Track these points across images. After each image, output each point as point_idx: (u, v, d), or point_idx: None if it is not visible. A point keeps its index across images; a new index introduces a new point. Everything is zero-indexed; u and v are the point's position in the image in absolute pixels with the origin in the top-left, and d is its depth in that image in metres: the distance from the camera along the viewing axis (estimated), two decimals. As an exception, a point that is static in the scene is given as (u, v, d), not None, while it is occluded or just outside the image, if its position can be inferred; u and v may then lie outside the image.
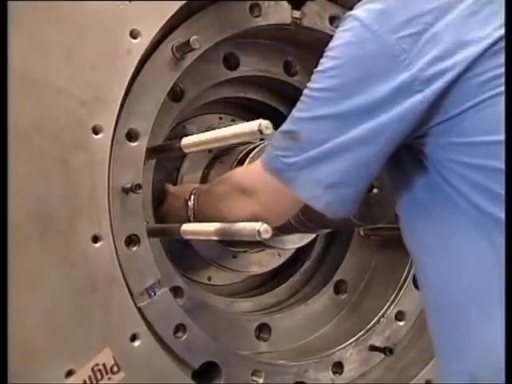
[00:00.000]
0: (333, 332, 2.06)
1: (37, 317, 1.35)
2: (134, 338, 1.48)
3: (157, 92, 1.59)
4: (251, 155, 1.82)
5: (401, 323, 2.00)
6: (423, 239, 1.36)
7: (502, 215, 1.18)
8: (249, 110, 2.13)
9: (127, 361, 1.46)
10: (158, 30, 1.52)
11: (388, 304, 2.01)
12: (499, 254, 1.19)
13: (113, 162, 1.48)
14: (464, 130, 1.22)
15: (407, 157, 1.33)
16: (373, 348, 1.95)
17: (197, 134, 1.68)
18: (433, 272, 1.34)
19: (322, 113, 1.27)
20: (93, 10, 1.42)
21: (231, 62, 1.90)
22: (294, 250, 2.12)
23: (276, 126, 1.36)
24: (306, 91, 1.32)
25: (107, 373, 1.43)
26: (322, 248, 2.23)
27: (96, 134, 1.43)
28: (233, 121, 2.08)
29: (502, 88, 1.19)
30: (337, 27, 1.81)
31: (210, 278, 2.06)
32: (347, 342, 1.94)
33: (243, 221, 1.40)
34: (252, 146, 1.85)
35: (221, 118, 2.09)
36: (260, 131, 1.34)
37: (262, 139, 1.79)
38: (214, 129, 1.69)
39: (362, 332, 1.97)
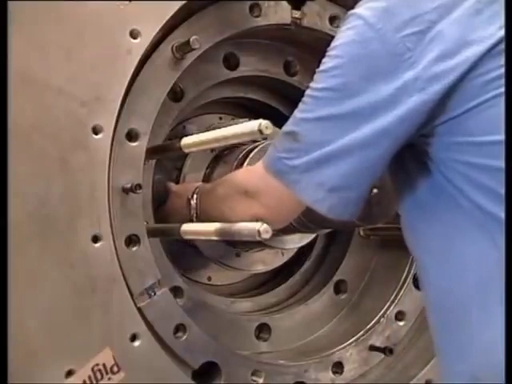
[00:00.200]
0: (333, 332, 2.06)
1: (37, 317, 1.35)
2: (134, 338, 1.48)
3: (157, 92, 1.59)
4: (251, 155, 1.82)
5: (401, 323, 2.00)
6: (426, 240, 1.35)
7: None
8: (249, 110, 2.13)
9: (127, 361, 1.46)
10: (158, 29, 1.51)
11: (388, 304, 2.01)
12: (502, 254, 1.18)
13: (113, 162, 1.48)
14: (468, 130, 1.21)
15: (410, 158, 1.32)
16: (373, 348, 1.95)
17: (197, 134, 1.68)
18: (435, 273, 1.33)
19: (324, 113, 1.26)
20: (93, 10, 1.42)
21: (231, 62, 1.90)
22: (297, 249, 2.11)
23: (276, 126, 1.36)
24: (308, 91, 1.31)
25: (107, 373, 1.43)
26: (322, 248, 2.23)
27: (96, 134, 1.43)
28: (233, 120, 2.08)
29: None
30: (337, 27, 1.84)
31: (210, 278, 2.06)
32: (347, 342, 1.94)
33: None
34: (252, 145, 1.85)
35: (221, 118, 2.09)
36: (260, 131, 1.33)
37: (264, 138, 1.79)
38: (214, 129, 1.69)
39: (362, 332, 1.97)
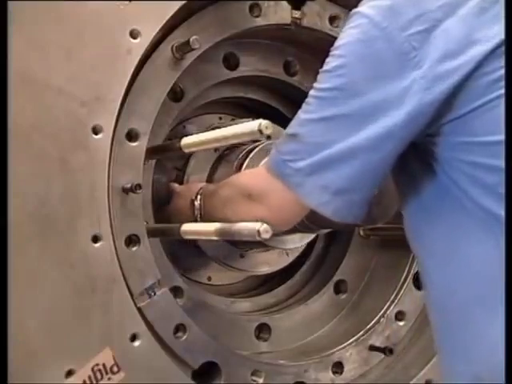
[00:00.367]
0: (333, 332, 2.06)
1: (37, 317, 1.35)
2: (133, 338, 1.48)
3: (157, 92, 1.59)
4: (251, 155, 1.82)
5: (401, 323, 2.00)
6: (429, 242, 1.34)
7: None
8: (249, 110, 2.13)
9: (127, 361, 1.46)
10: (157, 29, 1.51)
11: (388, 304, 2.01)
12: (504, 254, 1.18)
13: (113, 162, 1.48)
14: (473, 129, 1.20)
15: (415, 159, 1.31)
16: (373, 348, 1.95)
17: (197, 134, 1.68)
18: (438, 274, 1.33)
19: (328, 113, 1.25)
20: (93, 10, 1.42)
21: (231, 62, 1.90)
22: (301, 249, 2.11)
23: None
24: (311, 92, 1.30)
25: (107, 373, 1.43)
26: (322, 248, 2.23)
27: (96, 134, 1.43)
28: (233, 120, 2.08)
29: None
30: (337, 27, 1.85)
31: (210, 278, 2.06)
32: (347, 342, 1.94)
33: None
34: (252, 145, 1.85)
35: (221, 118, 2.09)
36: (260, 131, 1.33)
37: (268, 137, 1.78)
38: (214, 129, 1.69)
39: (362, 332, 1.97)
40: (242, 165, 1.82)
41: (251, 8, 1.73)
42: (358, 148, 1.23)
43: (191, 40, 1.57)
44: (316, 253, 2.23)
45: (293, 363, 1.84)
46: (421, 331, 2.01)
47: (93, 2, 1.42)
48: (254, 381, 1.73)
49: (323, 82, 1.28)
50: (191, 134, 1.68)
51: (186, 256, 1.98)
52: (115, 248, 1.46)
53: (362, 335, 1.96)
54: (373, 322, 1.99)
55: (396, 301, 2.01)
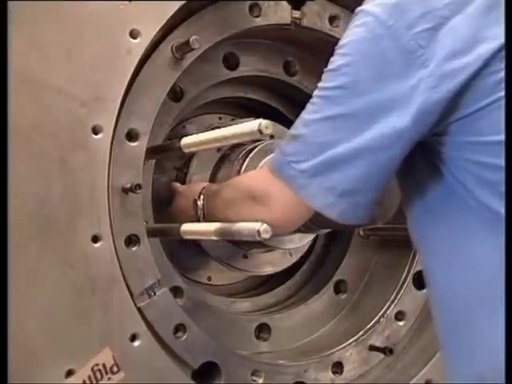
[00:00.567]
0: (333, 332, 2.06)
1: (37, 317, 1.35)
2: (133, 338, 1.48)
3: (157, 92, 1.59)
4: (251, 155, 1.82)
5: (400, 323, 2.00)
6: (434, 243, 1.33)
7: None
8: (249, 110, 2.14)
9: (127, 361, 1.46)
10: (157, 29, 1.52)
11: (388, 304, 2.01)
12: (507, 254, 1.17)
13: (113, 161, 1.48)
14: (480, 129, 1.19)
15: (420, 160, 1.30)
16: (373, 348, 1.95)
17: (197, 133, 1.68)
18: (442, 274, 1.32)
19: (333, 112, 1.23)
20: (92, 10, 1.42)
21: (231, 62, 1.90)
22: (305, 249, 2.11)
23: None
24: (316, 92, 1.28)
25: (107, 373, 1.43)
26: (321, 248, 2.23)
27: (96, 133, 1.43)
28: (232, 120, 2.08)
29: None
30: (336, 27, 1.85)
31: (209, 278, 2.06)
32: (347, 342, 1.94)
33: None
34: (252, 145, 1.85)
35: (220, 118, 2.09)
36: (260, 131, 1.33)
37: (271, 136, 1.79)
38: (213, 129, 1.69)
39: (362, 332, 1.97)
40: (242, 165, 1.82)
41: (251, 8, 1.73)
42: (364, 148, 1.21)
43: (191, 40, 1.57)
44: (316, 253, 2.23)
45: (293, 363, 1.84)
46: (421, 331, 2.01)
47: (93, 2, 1.42)
48: (254, 381, 1.73)
49: (328, 80, 1.26)
50: (191, 134, 1.68)
51: (185, 256, 1.98)
52: (115, 248, 1.46)
53: (362, 335, 1.96)
54: (373, 321, 1.99)
55: (396, 301, 2.01)
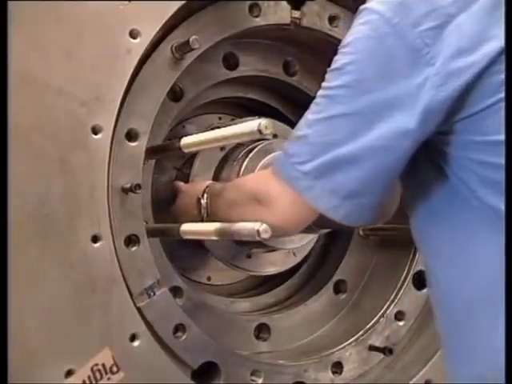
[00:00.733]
0: (332, 332, 2.06)
1: (36, 317, 1.35)
2: (133, 338, 1.48)
3: (156, 92, 1.59)
4: (251, 155, 1.82)
5: (400, 323, 2.00)
6: (436, 243, 1.32)
7: None
8: (248, 110, 2.13)
9: (127, 361, 1.46)
10: (157, 29, 1.51)
11: (387, 304, 2.01)
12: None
13: (112, 161, 1.48)
14: (485, 128, 1.18)
15: (423, 160, 1.28)
16: (372, 348, 1.95)
17: (196, 133, 1.68)
18: (445, 274, 1.31)
19: (336, 112, 1.22)
20: (92, 10, 1.42)
21: (231, 62, 1.90)
22: (309, 249, 2.10)
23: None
24: (319, 92, 1.27)
25: (106, 373, 1.43)
26: (321, 248, 2.23)
27: (95, 133, 1.42)
28: (232, 120, 2.08)
29: None
30: (336, 27, 1.85)
31: (209, 278, 2.06)
32: (347, 342, 1.94)
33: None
34: (252, 145, 1.85)
35: (220, 118, 2.09)
36: (259, 131, 1.33)
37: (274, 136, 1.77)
38: (213, 129, 1.69)
39: (362, 332, 1.97)
40: (241, 165, 1.82)
41: (251, 8, 1.73)
42: (369, 148, 1.20)
43: (191, 40, 1.57)
44: (315, 253, 2.23)
45: (292, 363, 1.84)
46: (420, 331, 2.01)
47: (92, 2, 1.41)
48: (254, 381, 1.73)
49: (331, 80, 1.25)
50: (191, 134, 1.68)
51: (185, 256, 1.98)
52: (115, 248, 1.46)
53: (362, 335, 1.96)
54: (372, 321, 1.99)
55: (396, 301, 2.01)
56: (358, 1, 1.30)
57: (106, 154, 1.44)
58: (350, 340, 1.95)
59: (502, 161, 1.17)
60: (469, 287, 1.26)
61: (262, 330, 1.99)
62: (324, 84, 1.26)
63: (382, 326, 1.98)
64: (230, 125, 1.77)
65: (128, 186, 1.50)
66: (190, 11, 1.63)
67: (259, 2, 1.74)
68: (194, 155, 1.92)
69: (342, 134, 1.22)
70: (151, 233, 1.61)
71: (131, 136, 1.54)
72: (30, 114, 1.34)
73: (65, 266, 1.38)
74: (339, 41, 1.77)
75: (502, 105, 1.16)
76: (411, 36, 1.17)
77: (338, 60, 1.25)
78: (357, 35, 1.23)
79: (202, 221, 1.62)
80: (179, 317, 1.61)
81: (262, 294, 2.14)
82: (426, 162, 1.29)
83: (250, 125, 1.37)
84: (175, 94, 1.79)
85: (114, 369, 1.44)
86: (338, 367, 1.89)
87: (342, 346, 1.93)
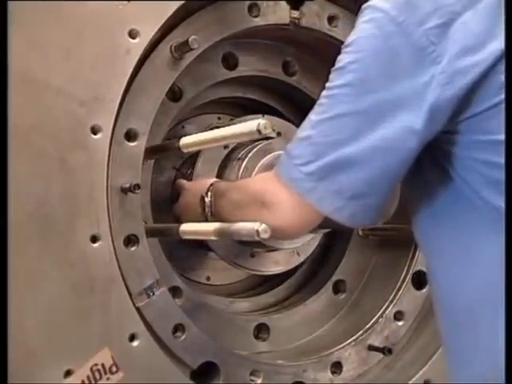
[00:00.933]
0: (331, 332, 2.06)
1: (36, 317, 1.35)
2: (132, 337, 1.48)
3: (155, 92, 1.59)
4: (250, 155, 1.82)
5: (399, 323, 2.00)
6: (439, 245, 1.32)
7: None
8: (248, 110, 2.13)
9: (126, 361, 1.46)
10: (156, 29, 1.51)
11: (387, 304, 2.01)
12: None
13: (111, 161, 1.48)
14: (490, 127, 1.17)
15: (426, 161, 1.27)
16: (371, 348, 1.95)
17: (196, 133, 1.68)
18: (447, 275, 1.31)
19: (340, 111, 1.20)
20: (92, 10, 1.42)
21: (230, 62, 1.90)
22: (312, 249, 2.09)
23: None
24: (323, 93, 1.25)
25: (106, 373, 1.43)
26: (321, 248, 2.23)
27: (95, 133, 1.42)
28: (231, 120, 2.08)
29: None
30: (335, 27, 1.85)
31: (208, 278, 2.06)
32: (346, 342, 1.94)
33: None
34: (251, 145, 1.85)
35: (219, 118, 2.09)
36: (259, 131, 1.33)
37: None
38: (212, 129, 1.69)
39: (361, 332, 1.97)
40: (241, 165, 1.82)
41: (250, 8, 1.73)
42: (374, 148, 1.19)
43: (190, 40, 1.57)
44: (315, 253, 2.22)
45: (291, 363, 1.84)
46: (420, 331, 2.01)
47: (92, 2, 1.41)
48: (253, 381, 1.73)
49: (334, 79, 1.23)
50: (190, 134, 1.68)
51: (184, 256, 1.98)
52: (114, 248, 1.46)
53: (361, 335, 1.96)
54: (372, 321, 1.99)
55: (395, 301, 2.01)
56: (359, 1, 1.29)
57: (106, 154, 1.44)
58: (350, 340, 1.95)
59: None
60: (470, 288, 1.26)
61: (261, 330, 1.99)
62: (327, 84, 1.25)
63: (381, 325, 1.98)
64: (229, 125, 1.77)
65: (127, 185, 1.50)
66: (189, 11, 1.63)
67: (258, 1, 1.74)
68: (193, 155, 1.92)
69: (345, 134, 1.20)
70: (150, 233, 1.61)
71: (130, 136, 1.54)
72: (29, 113, 1.34)
73: (64, 266, 1.38)
74: (338, 41, 1.79)
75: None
76: (417, 34, 1.16)
77: (342, 59, 1.23)
78: (360, 34, 1.22)
79: (206, 219, 1.60)
80: (178, 317, 1.61)
81: (262, 294, 2.14)
82: (430, 163, 1.27)
83: (249, 125, 1.37)
84: (174, 94, 1.79)
85: (114, 369, 1.44)
86: (337, 367, 1.89)
87: (341, 345, 1.93)
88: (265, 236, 1.30)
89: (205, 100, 1.97)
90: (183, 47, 1.60)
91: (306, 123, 1.28)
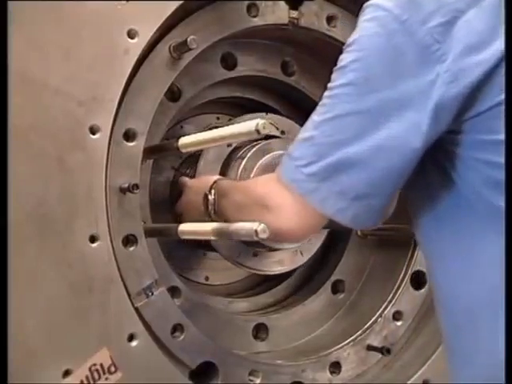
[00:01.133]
0: (330, 332, 2.06)
1: (34, 317, 1.35)
2: (131, 337, 1.48)
3: (154, 92, 1.59)
4: (249, 155, 1.82)
5: (398, 323, 2.00)
6: (440, 248, 1.31)
7: None
8: (246, 110, 2.13)
9: (124, 361, 1.46)
10: (155, 29, 1.51)
11: (385, 304, 2.01)
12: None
13: (110, 161, 1.47)
14: (493, 127, 1.16)
15: (428, 163, 1.25)
16: (370, 348, 1.95)
17: (194, 133, 1.68)
18: (448, 277, 1.30)
19: (342, 111, 1.19)
20: (91, 10, 1.42)
21: (229, 62, 1.90)
22: (316, 249, 2.08)
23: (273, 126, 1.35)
24: (325, 93, 1.24)
25: (104, 373, 1.43)
26: (319, 248, 2.22)
27: (93, 133, 1.42)
28: (230, 120, 2.08)
29: None
30: (334, 27, 1.84)
31: (207, 278, 2.06)
32: (345, 342, 1.94)
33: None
34: (250, 145, 1.85)
35: (218, 118, 2.09)
36: (257, 131, 1.33)
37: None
38: (211, 129, 1.69)
39: (360, 332, 1.97)
40: (240, 165, 1.82)
41: (249, 8, 1.73)
42: (378, 148, 1.18)
43: (189, 40, 1.57)
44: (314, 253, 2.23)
45: (290, 363, 1.84)
46: (418, 331, 2.02)
47: (91, 2, 1.41)
48: (252, 381, 1.73)
49: (336, 79, 1.22)
50: (189, 134, 1.68)
51: (183, 256, 1.98)
52: (112, 248, 1.46)
53: (360, 335, 1.96)
54: (370, 321, 1.99)
55: (393, 301, 2.01)
56: (358, 1, 1.28)
57: (104, 153, 1.44)
58: (348, 340, 1.95)
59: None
60: (470, 289, 1.25)
61: (260, 330, 1.99)
62: (329, 85, 1.24)
63: (379, 325, 1.98)
64: (227, 125, 1.77)
65: (126, 185, 1.50)
66: (187, 11, 1.63)
67: (257, 1, 1.74)
68: (192, 155, 1.92)
69: (349, 134, 1.19)
70: (149, 233, 1.61)
71: (129, 136, 1.54)
72: (28, 113, 1.34)
73: (63, 266, 1.38)
74: (337, 41, 1.79)
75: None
76: (421, 33, 1.15)
77: (344, 58, 1.22)
78: (363, 32, 1.20)
79: (209, 217, 1.58)
80: (177, 317, 1.61)
81: (260, 294, 2.14)
82: (431, 164, 1.26)
83: (248, 125, 1.37)
84: (173, 94, 1.79)
85: (112, 369, 1.44)
86: (336, 367, 1.89)
87: (340, 345, 1.93)
88: (263, 236, 1.29)
89: (203, 100, 1.97)
90: (182, 47, 1.60)
91: (308, 124, 1.27)
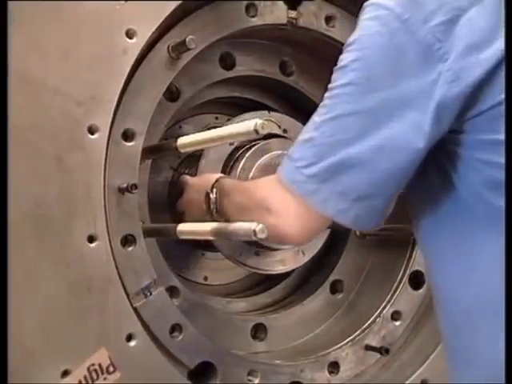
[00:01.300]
0: (329, 332, 2.06)
1: (33, 317, 1.35)
2: (129, 337, 1.48)
3: (153, 92, 1.59)
4: (247, 155, 1.82)
5: (397, 323, 2.00)
6: (440, 249, 1.30)
7: None
8: (245, 110, 2.13)
9: (123, 361, 1.46)
10: (153, 29, 1.51)
11: (384, 304, 2.01)
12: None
13: (109, 161, 1.47)
14: (494, 126, 1.15)
15: (431, 167, 1.24)
16: (369, 348, 1.95)
17: (193, 133, 1.68)
18: (447, 279, 1.29)
19: (343, 111, 1.18)
20: (89, 10, 1.41)
21: (227, 62, 1.90)
22: (318, 248, 2.07)
23: (272, 127, 1.35)
24: (326, 94, 1.23)
25: (103, 373, 1.43)
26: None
27: (92, 133, 1.42)
28: (229, 120, 2.08)
29: None
30: (333, 27, 1.84)
31: (206, 278, 2.06)
32: (343, 342, 1.94)
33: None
34: (249, 145, 1.85)
35: (217, 118, 2.09)
36: (256, 131, 1.33)
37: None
38: (210, 129, 1.69)
39: (358, 332, 1.97)
40: (239, 165, 1.82)
41: (247, 8, 1.73)
42: (380, 149, 1.17)
43: (187, 40, 1.57)
44: (312, 252, 2.23)
45: (289, 363, 1.84)
46: (417, 331, 2.02)
47: (89, 2, 1.41)
48: (250, 381, 1.73)
49: (337, 79, 1.21)
50: (187, 134, 1.68)
51: (182, 256, 1.98)
52: (111, 248, 1.46)
53: (358, 335, 1.96)
54: (369, 321, 1.99)
55: (392, 301, 2.01)
56: (358, 1, 1.28)
57: (103, 153, 1.44)
58: (347, 340, 1.95)
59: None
60: (470, 291, 1.24)
61: (258, 330, 1.99)
62: (330, 85, 1.23)
63: (378, 325, 1.98)
64: (226, 125, 1.77)
65: (124, 185, 1.50)
66: (186, 11, 1.63)
67: (256, 1, 1.73)
68: (190, 155, 1.92)
69: (350, 134, 1.18)
70: (148, 233, 1.61)
71: (127, 136, 1.54)
72: (27, 113, 1.34)
73: (61, 266, 1.38)
74: (336, 41, 1.79)
75: None
76: (422, 32, 1.14)
77: (344, 58, 1.21)
78: (364, 31, 1.19)
79: (211, 215, 1.57)
80: (176, 317, 1.61)
81: (259, 294, 2.14)
82: (433, 166, 1.25)
83: (247, 124, 1.37)
84: (172, 94, 1.79)
85: (111, 369, 1.44)
86: (334, 367, 1.89)
87: (338, 345, 1.93)
88: (262, 236, 1.29)
89: (202, 100, 1.97)
90: (180, 47, 1.60)
91: (308, 125, 1.26)
